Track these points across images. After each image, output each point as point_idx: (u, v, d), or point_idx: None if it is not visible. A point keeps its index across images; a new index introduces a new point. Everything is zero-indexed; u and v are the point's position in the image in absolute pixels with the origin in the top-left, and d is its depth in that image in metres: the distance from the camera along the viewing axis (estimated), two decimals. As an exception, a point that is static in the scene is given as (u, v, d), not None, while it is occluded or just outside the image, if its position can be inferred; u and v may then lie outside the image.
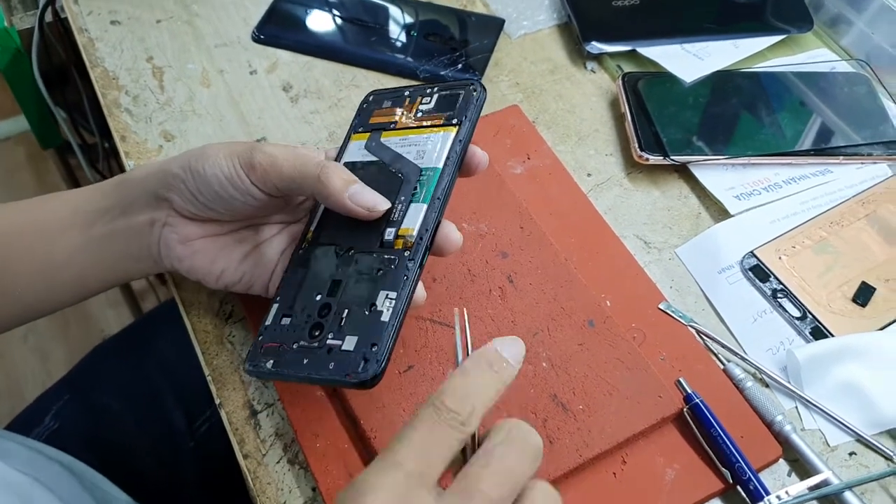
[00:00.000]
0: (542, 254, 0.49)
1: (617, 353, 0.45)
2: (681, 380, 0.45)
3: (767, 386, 0.47)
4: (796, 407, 0.46)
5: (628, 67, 0.62)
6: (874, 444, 0.45)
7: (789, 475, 0.44)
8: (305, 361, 0.37)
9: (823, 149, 0.57)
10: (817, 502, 0.42)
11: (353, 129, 0.45)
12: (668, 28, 0.64)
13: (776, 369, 0.47)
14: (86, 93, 0.81)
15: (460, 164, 0.41)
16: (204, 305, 0.48)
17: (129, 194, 0.43)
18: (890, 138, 0.58)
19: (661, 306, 0.49)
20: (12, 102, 0.83)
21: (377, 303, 0.37)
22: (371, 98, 0.46)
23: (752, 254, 0.52)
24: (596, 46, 0.62)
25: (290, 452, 0.43)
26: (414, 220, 0.39)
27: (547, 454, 0.41)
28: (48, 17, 0.72)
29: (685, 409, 0.44)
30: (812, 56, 0.64)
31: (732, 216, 0.54)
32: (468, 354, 0.31)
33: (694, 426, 0.44)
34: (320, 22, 0.65)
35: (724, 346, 0.47)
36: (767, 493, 0.41)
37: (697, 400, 0.44)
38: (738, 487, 0.42)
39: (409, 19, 0.65)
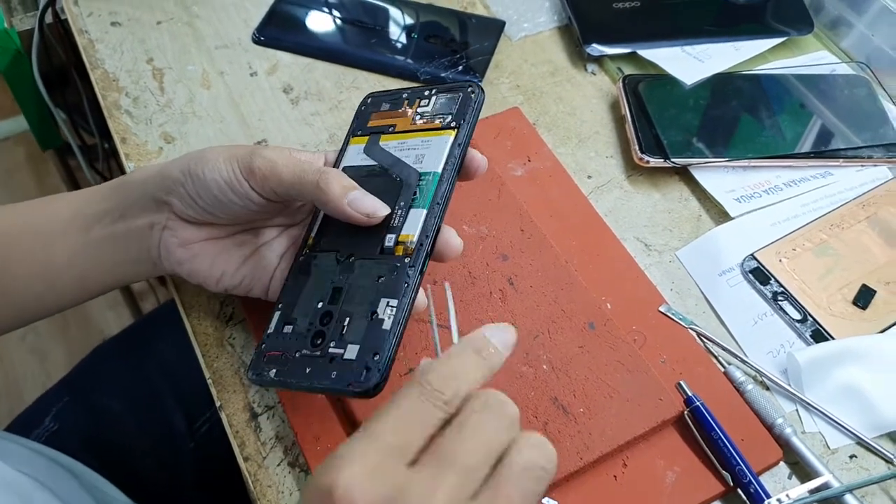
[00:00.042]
0: (542, 256, 0.49)
1: (617, 356, 0.45)
2: (681, 382, 0.45)
3: (768, 389, 0.47)
4: (797, 410, 0.46)
5: (629, 70, 0.62)
6: (875, 447, 0.45)
7: (790, 478, 0.44)
8: (308, 370, 0.37)
9: (824, 151, 0.57)
10: (818, 505, 0.42)
11: (352, 133, 0.45)
12: (668, 30, 0.64)
13: (777, 372, 0.47)
14: (86, 94, 0.80)
15: (459, 168, 0.41)
16: (204, 308, 0.48)
17: (129, 197, 0.43)
18: (890, 141, 0.58)
19: (661, 309, 0.49)
20: (12, 102, 0.83)
21: (378, 311, 0.37)
22: (369, 100, 0.46)
23: (753, 256, 0.52)
24: (596, 48, 0.62)
25: (291, 455, 0.43)
26: (414, 226, 0.39)
27: (547, 457, 0.41)
28: (48, 18, 0.72)
29: (686, 412, 0.44)
30: (812, 58, 0.64)
31: (733, 219, 0.54)
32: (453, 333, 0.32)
33: (694, 429, 0.44)
34: (321, 24, 0.65)
35: (724, 348, 0.47)
36: (768, 496, 0.41)
37: (698, 403, 0.44)
38: (739, 490, 0.42)
39: (409, 21, 0.65)
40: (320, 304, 0.39)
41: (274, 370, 0.38)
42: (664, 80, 0.60)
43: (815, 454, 0.43)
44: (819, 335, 0.48)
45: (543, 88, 0.62)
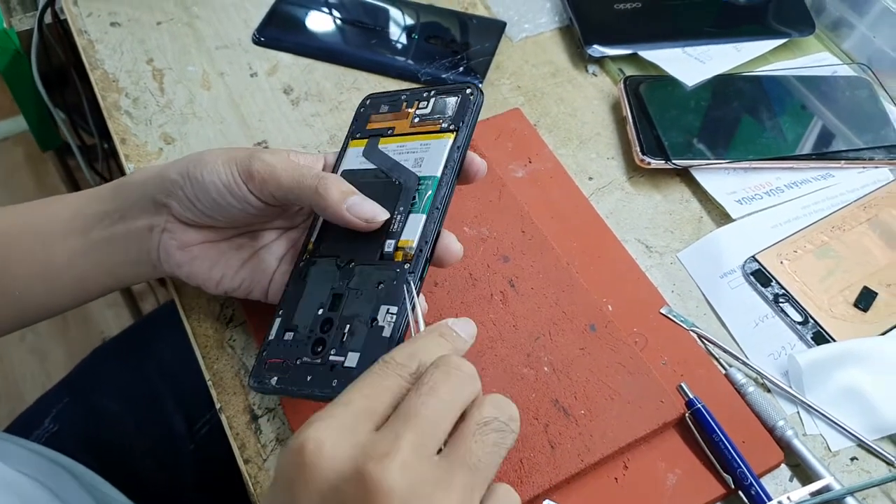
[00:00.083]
0: (543, 258, 0.49)
1: (618, 358, 0.45)
2: (682, 385, 0.45)
3: (769, 391, 0.47)
4: (798, 412, 0.46)
5: (630, 71, 0.62)
6: (876, 450, 0.45)
7: (791, 480, 0.44)
8: (309, 378, 0.37)
9: (825, 153, 0.57)
10: (819, 508, 0.42)
11: (351, 136, 0.45)
12: (669, 31, 0.64)
13: (778, 374, 0.47)
14: (85, 94, 0.80)
15: (459, 171, 0.40)
16: (204, 310, 0.48)
17: (128, 199, 0.43)
18: (891, 142, 0.58)
19: (662, 311, 0.49)
20: (11, 103, 0.83)
21: (378, 318, 0.37)
22: (368, 102, 0.46)
23: (754, 258, 0.52)
24: (597, 50, 0.62)
25: (291, 457, 0.43)
26: (413, 231, 0.38)
27: (549, 459, 0.41)
28: (47, 18, 0.71)
29: (687, 414, 0.44)
30: (814, 60, 0.64)
31: (734, 220, 0.54)
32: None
33: (695, 431, 0.44)
34: (321, 24, 0.65)
35: (725, 350, 0.47)
36: (769, 499, 0.41)
37: (699, 405, 0.44)
38: (740, 493, 0.42)
39: (410, 22, 0.65)
40: (320, 311, 0.39)
41: (275, 378, 0.38)
42: (665, 82, 0.60)
43: (817, 456, 0.43)
44: (820, 337, 0.48)
45: (544, 89, 0.62)
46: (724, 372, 0.47)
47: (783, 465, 0.44)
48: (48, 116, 0.82)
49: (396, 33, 0.64)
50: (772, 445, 0.44)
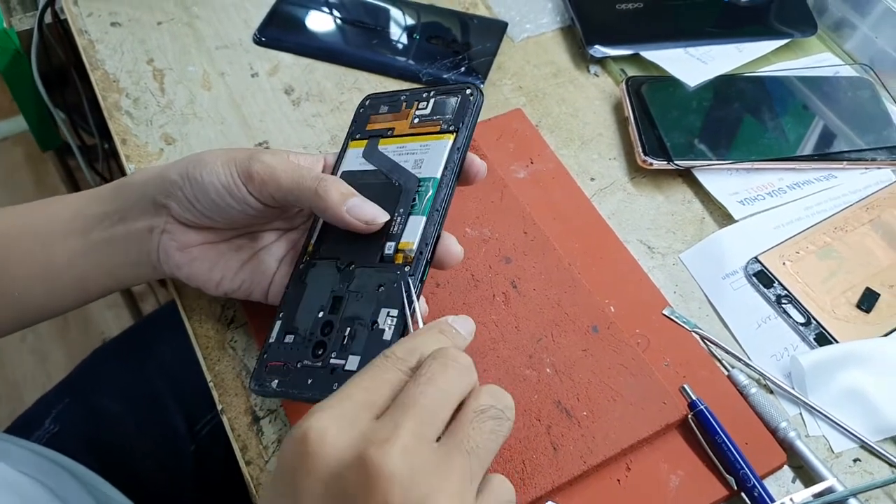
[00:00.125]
0: (545, 259, 0.49)
1: (621, 359, 0.45)
2: (685, 386, 0.45)
3: (772, 392, 0.47)
4: (801, 413, 0.46)
5: (632, 71, 0.62)
6: (879, 451, 0.45)
7: (794, 482, 0.44)
8: (310, 381, 0.37)
9: (827, 154, 0.57)
10: (822, 510, 0.42)
11: (351, 136, 0.45)
12: (671, 32, 0.64)
13: (780, 375, 0.47)
14: (85, 94, 0.80)
15: (459, 173, 0.40)
16: (205, 311, 0.48)
17: (128, 199, 0.43)
18: (894, 143, 0.58)
19: (665, 312, 0.49)
20: (10, 102, 0.82)
21: (379, 321, 0.37)
22: (367, 102, 0.46)
23: (757, 259, 0.52)
24: (599, 50, 0.62)
25: (293, 459, 0.43)
26: (413, 233, 0.38)
27: (551, 461, 0.41)
28: (48, 18, 0.71)
29: (689, 416, 0.44)
30: (816, 60, 0.64)
31: (736, 221, 0.54)
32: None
33: (698, 433, 0.43)
34: (322, 24, 0.65)
35: (728, 352, 0.47)
36: (772, 500, 0.41)
37: (702, 406, 0.44)
38: (743, 494, 0.42)
39: (411, 22, 0.65)
40: (321, 314, 0.39)
41: (276, 381, 0.38)
42: (667, 82, 0.60)
43: (819, 458, 0.43)
44: (823, 338, 0.48)
45: (546, 90, 0.62)
46: (726, 373, 0.47)
47: (786, 467, 0.44)
48: (48, 116, 0.82)
49: (397, 33, 0.64)
50: (774, 447, 0.44)
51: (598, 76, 0.63)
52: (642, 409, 0.43)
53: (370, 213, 0.39)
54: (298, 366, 0.38)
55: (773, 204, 0.54)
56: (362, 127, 0.45)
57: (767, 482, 0.43)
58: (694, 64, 0.62)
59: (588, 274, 0.50)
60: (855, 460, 0.45)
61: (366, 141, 0.44)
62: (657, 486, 0.42)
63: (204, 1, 0.66)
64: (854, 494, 0.42)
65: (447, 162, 0.40)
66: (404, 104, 0.44)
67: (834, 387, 0.46)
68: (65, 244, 0.44)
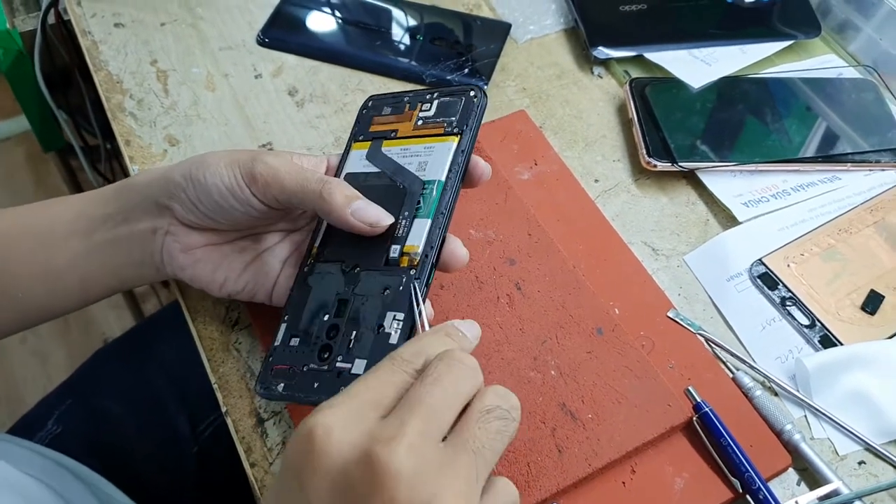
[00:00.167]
0: (550, 261, 0.49)
1: (625, 362, 0.45)
2: (690, 388, 0.45)
3: (776, 394, 0.47)
4: (805, 416, 0.46)
5: (636, 73, 0.62)
6: (883, 454, 0.45)
7: (798, 484, 0.44)
8: (316, 385, 0.37)
9: (831, 156, 0.57)
10: (827, 512, 0.42)
11: (354, 138, 0.45)
12: (675, 33, 0.64)
13: (785, 378, 0.47)
14: (88, 95, 0.80)
15: (463, 175, 0.40)
16: (209, 312, 0.48)
17: (131, 201, 0.43)
18: (898, 145, 0.58)
19: (669, 314, 0.49)
20: (12, 102, 0.82)
21: (385, 324, 0.37)
22: (370, 103, 0.46)
23: (761, 261, 0.52)
24: (603, 51, 0.62)
25: (297, 461, 0.43)
26: (418, 236, 0.38)
27: (556, 463, 0.41)
28: (51, 19, 0.71)
29: (694, 418, 0.44)
30: (819, 62, 0.64)
31: (741, 223, 0.53)
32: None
33: (703, 435, 0.43)
34: (326, 26, 0.65)
35: (732, 354, 0.47)
36: (777, 503, 0.41)
37: (706, 409, 0.44)
38: (748, 497, 0.42)
39: (414, 23, 0.65)
40: (326, 317, 0.39)
41: (282, 384, 0.38)
42: (671, 84, 0.60)
43: (824, 460, 0.43)
44: (827, 341, 0.48)
45: (550, 91, 0.62)
46: (731, 375, 0.47)
47: (791, 469, 0.44)
48: (51, 117, 0.82)
49: (401, 35, 0.64)
50: (779, 449, 0.44)
51: (601, 78, 0.63)
52: (647, 412, 0.43)
53: (375, 216, 0.39)
54: (304, 369, 0.38)
55: (777, 206, 0.54)
56: (365, 128, 0.45)
57: (772, 485, 0.43)
58: (697, 65, 0.62)
59: (592, 276, 0.50)
60: (860, 463, 0.45)
61: (369, 142, 0.44)
62: (662, 488, 0.42)
63: (208, 2, 0.66)
64: (859, 497, 0.42)
65: (452, 164, 0.40)
66: (408, 106, 0.44)
67: (839, 389, 0.46)
68: (67, 245, 0.44)
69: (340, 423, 0.28)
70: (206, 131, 0.58)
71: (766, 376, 0.47)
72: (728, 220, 0.54)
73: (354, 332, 0.37)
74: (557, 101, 0.61)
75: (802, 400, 0.46)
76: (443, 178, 0.39)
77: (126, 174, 0.56)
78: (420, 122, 0.42)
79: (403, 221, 0.39)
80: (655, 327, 0.48)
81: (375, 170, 0.42)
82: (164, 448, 0.63)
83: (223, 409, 0.44)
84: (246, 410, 0.44)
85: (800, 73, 0.62)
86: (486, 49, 0.63)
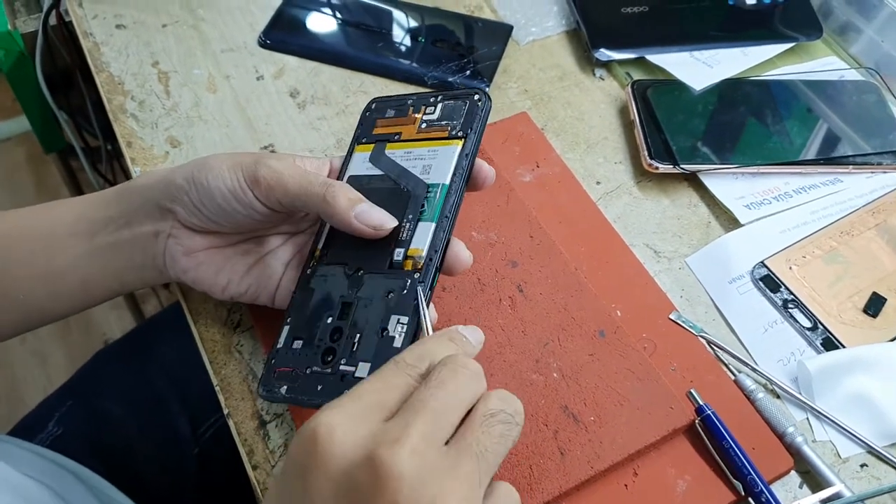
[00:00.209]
0: (551, 263, 0.49)
1: (628, 364, 0.45)
2: (692, 391, 0.45)
3: (779, 397, 0.47)
4: (807, 418, 0.46)
5: (637, 75, 0.62)
6: (886, 456, 0.44)
7: (801, 487, 0.44)
8: (319, 388, 0.37)
9: (833, 158, 0.57)
10: (830, 515, 0.42)
11: (357, 140, 0.45)
12: (676, 35, 0.64)
13: (787, 380, 0.47)
14: (89, 96, 0.80)
15: (467, 179, 0.40)
16: (212, 314, 0.48)
17: (133, 203, 0.43)
18: (899, 147, 0.58)
19: (671, 316, 0.49)
20: (12, 102, 0.82)
21: (389, 328, 0.37)
22: (374, 106, 0.45)
23: (763, 264, 0.52)
24: (605, 53, 0.62)
25: (299, 463, 0.43)
26: (422, 240, 0.38)
27: (558, 466, 0.41)
28: (52, 20, 0.71)
29: (696, 421, 0.44)
30: (821, 64, 0.64)
31: (742, 225, 0.53)
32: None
33: (705, 438, 0.43)
34: (327, 27, 0.65)
35: (734, 356, 0.47)
36: (780, 506, 0.41)
37: (709, 411, 0.44)
38: (750, 500, 0.42)
39: (415, 25, 0.65)
40: (329, 320, 0.39)
41: (285, 387, 0.38)
42: (673, 86, 0.60)
43: (827, 463, 0.43)
44: (829, 343, 0.48)
45: (552, 93, 0.62)
46: (733, 378, 0.47)
47: (793, 472, 0.44)
48: (52, 118, 0.82)
49: (402, 37, 0.64)
50: (781, 452, 0.44)
51: (603, 80, 0.63)
52: (649, 414, 0.43)
53: (378, 219, 0.39)
54: (307, 372, 0.38)
55: (779, 208, 0.54)
56: (368, 131, 0.44)
57: (774, 487, 0.43)
58: (699, 67, 0.62)
59: (594, 278, 0.49)
60: (862, 465, 0.45)
61: (372, 145, 0.44)
62: (664, 491, 0.42)
63: (209, 4, 0.66)
64: (861, 500, 0.42)
65: (456, 168, 0.40)
66: (411, 108, 0.43)
67: (841, 392, 0.46)
68: (68, 247, 0.43)
69: (344, 423, 0.28)
70: (208, 133, 0.58)
71: (768, 379, 0.47)
72: (730, 222, 0.54)
73: (358, 336, 0.37)
74: (559, 102, 0.61)
75: (804, 402, 0.46)
76: (447, 182, 0.39)
77: (127, 175, 0.56)
78: (424, 125, 0.42)
79: (407, 225, 0.39)
80: (657, 329, 0.48)
81: (379, 173, 0.42)
82: (165, 449, 0.63)
83: (225, 412, 0.44)
84: (248, 413, 0.44)
85: (801, 76, 0.62)
86: (487, 51, 0.63)
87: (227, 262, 0.43)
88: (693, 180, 0.56)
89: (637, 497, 0.42)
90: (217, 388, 0.45)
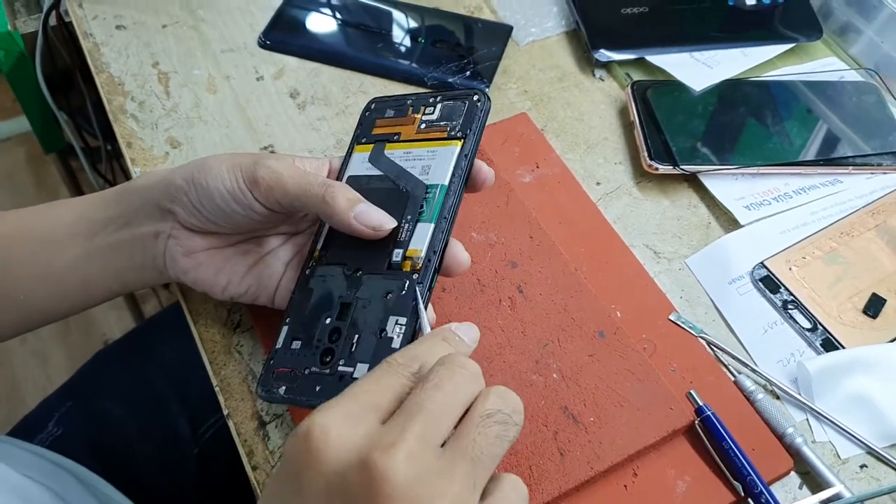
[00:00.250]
0: (551, 264, 0.49)
1: (627, 365, 0.45)
2: (692, 392, 0.45)
3: (778, 398, 0.47)
4: (807, 419, 0.46)
5: (637, 75, 0.62)
6: (885, 457, 0.45)
7: (800, 488, 0.44)
8: (318, 388, 0.37)
9: (833, 159, 0.57)
10: (829, 516, 0.42)
11: (356, 140, 0.45)
12: (676, 36, 0.64)
13: (787, 381, 0.47)
14: (89, 96, 0.80)
15: (467, 180, 0.40)
16: (211, 315, 0.48)
17: (133, 204, 0.43)
18: (899, 148, 0.58)
19: (671, 317, 0.49)
20: (12, 102, 0.82)
21: (387, 329, 0.37)
22: (373, 106, 0.45)
23: (763, 264, 0.52)
24: (604, 54, 0.62)
25: (299, 464, 0.43)
26: (421, 240, 0.38)
27: (558, 467, 0.41)
28: (52, 20, 0.71)
29: (696, 422, 0.44)
30: (821, 65, 0.64)
31: (742, 226, 0.53)
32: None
33: (705, 438, 0.43)
34: (327, 28, 0.65)
35: (734, 357, 0.47)
36: (779, 507, 0.41)
37: (708, 412, 0.44)
38: (750, 501, 0.42)
39: (415, 26, 0.65)
40: (328, 320, 0.39)
41: (284, 387, 0.38)
42: (673, 86, 0.60)
43: (826, 464, 0.43)
44: (829, 344, 0.48)
45: (551, 94, 0.62)
46: (732, 379, 0.47)
47: (793, 473, 0.44)
48: (52, 118, 0.82)
49: (402, 37, 0.64)
50: (781, 453, 0.44)
51: (603, 80, 0.63)
52: (649, 415, 0.43)
53: (377, 220, 0.39)
54: (306, 372, 0.38)
55: (779, 209, 0.54)
56: (368, 131, 0.44)
57: (774, 488, 0.43)
58: (699, 68, 0.62)
59: (594, 279, 0.50)
60: (862, 466, 0.45)
61: (372, 145, 0.44)
62: (664, 491, 0.42)
63: (209, 4, 0.66)
64: (861, 501, 0.42)
65: (455, 169, 0.40)
66: (411, 109, 0.44)
67: (840, 392, 0.46)
68: (68, 248, 0.44)
69: (338, 424, 0.28)
70: (208, 133, 0.58)
71: (767, 379, 0.47)
72: (730, 223, 0.54)
73: (356, 336, 0.37)
74: (559, 103, 0.61)
75: (804, 403, 0.46)
76: (446, 183, 0.39)
77: (127, 175, 0.56)
78: (423, 126, 0.42)
79: (406, 225, 0.39)
80: (657, 330, 0.48)
81: (378, 173, 0.42)
82: (165, 450, 0.63)
83: (225, 412, 0.44)
84: (248, 413, 0.44)
85: (801, 76, 0.62)
86: (487, 51, 0.63)
87: (227, 263, 0.43)
88: (693, 181, 0.56)
89: (637, 498, 0.42)
90: (217, 389, 0.45)
